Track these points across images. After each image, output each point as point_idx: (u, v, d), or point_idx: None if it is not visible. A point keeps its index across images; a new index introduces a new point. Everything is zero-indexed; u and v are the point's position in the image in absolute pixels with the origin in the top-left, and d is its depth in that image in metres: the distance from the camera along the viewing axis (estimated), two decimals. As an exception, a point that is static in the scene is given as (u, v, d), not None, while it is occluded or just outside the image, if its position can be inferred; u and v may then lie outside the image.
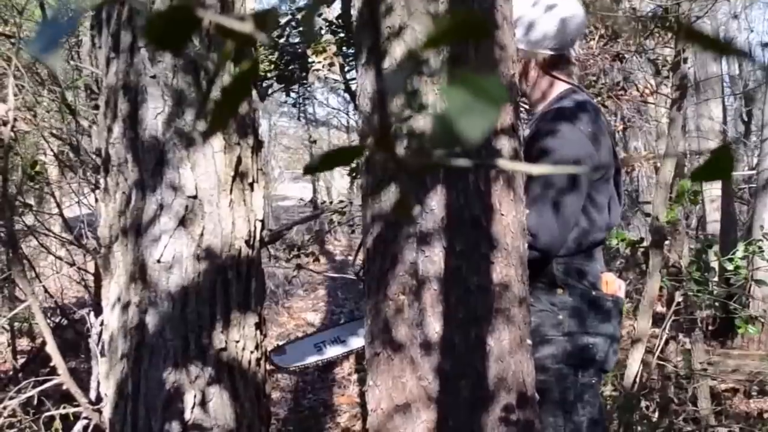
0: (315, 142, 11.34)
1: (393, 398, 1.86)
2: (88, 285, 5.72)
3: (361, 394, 5.78)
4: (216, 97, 0.56)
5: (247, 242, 1.95)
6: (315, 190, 15.59)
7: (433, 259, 1.83)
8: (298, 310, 9.05)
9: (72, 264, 5.29)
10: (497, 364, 1.83)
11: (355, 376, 6.29)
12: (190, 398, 1.80)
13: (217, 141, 1.87)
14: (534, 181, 2.21)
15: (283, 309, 8.83)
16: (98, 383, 2.19)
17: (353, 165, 4.63)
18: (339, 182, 17.05)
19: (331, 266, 11.51)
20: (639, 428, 3.49)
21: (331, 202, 5.88)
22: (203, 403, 1.82)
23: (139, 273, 1.84)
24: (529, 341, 1.94)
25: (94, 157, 4.24)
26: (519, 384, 1.87)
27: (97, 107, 4.34)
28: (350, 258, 12.23)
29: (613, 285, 2.40)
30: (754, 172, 9.44)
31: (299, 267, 5.39)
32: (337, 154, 0.59)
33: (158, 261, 1.82)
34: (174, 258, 1.82)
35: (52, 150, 5.04)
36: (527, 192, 2.13)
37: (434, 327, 1.82)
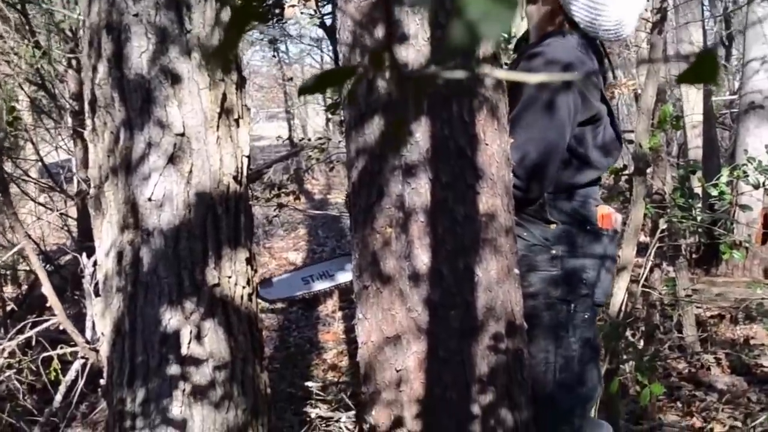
0: (291, 79, 11.22)
1: (383, 330, 1.89)
2: (70, 230, 5.71)
3: (346, 331, 5.84)
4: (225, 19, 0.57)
5: (234, 178, 1.95)
6: (291, 128, 15.41)
7: (419, 191, 1.83)
8: (279, 249, 9.07)
9: (56, 210, 5.26)
10: (485, 293, 1.86)
11: (339, 314, 6.34)
12: (186, 333, 1.83)
13: (202, 78, 1.87)
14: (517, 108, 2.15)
15: (264, 249, 8.84)
16: (93, 323, 2.22)
17: (330, 101, 4.61)
18: (314, 120, 16.94)
19: (311, 205, 11.50)
20: (625, 356, 3.55)
21: (309, 140, 5.82)
22: (199, 338, 1.85)
23: (131, 212, 1.84)
24: (516, 270, 1.96)
25: (71, 101, 4.20)
26: (507, 313, 1.91)
27: (72, 51, 4.29)
28: (329, 196, 12.24)
29: (609, 219, 2.32)
30: (735, 96, 9.39)
31: (281, 206, 5.38)
32: (331, 75, 0.59)
33: (149, 199, 1.82)
34: (165, 195, 1.83)
35: (28, 96, 4.97)
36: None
37: (422, 258, 1.83)
